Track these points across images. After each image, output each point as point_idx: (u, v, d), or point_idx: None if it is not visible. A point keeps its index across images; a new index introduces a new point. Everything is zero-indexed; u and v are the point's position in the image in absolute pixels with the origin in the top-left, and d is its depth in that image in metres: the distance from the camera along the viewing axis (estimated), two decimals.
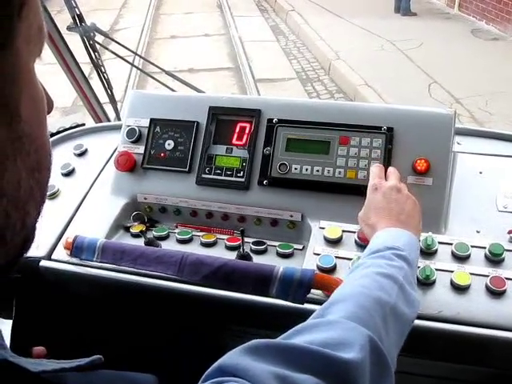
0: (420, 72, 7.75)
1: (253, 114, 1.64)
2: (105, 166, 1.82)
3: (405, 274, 1.09)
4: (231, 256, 1.46)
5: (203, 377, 0.75)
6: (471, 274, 1.31)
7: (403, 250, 1.14)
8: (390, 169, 1.44)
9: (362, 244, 1.40)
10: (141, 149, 1.71)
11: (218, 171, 1.63)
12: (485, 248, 1.36)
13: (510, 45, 8.97)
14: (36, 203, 0.59)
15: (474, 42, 9.31)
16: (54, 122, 2.16)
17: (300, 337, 0.87)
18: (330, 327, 0.90)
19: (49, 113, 0.62)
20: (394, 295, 1.02)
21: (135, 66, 2.68)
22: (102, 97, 2.36)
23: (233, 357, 0.78)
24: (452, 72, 7.53)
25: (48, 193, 1.73)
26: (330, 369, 0.80)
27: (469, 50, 8.62)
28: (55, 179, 1.80)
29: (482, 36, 9.55)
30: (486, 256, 1.35)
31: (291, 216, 1.56)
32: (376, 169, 1.42)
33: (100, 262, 1.45)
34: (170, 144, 1.69)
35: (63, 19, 2.17)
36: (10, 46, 0.51)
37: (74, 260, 1.51)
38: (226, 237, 1.58)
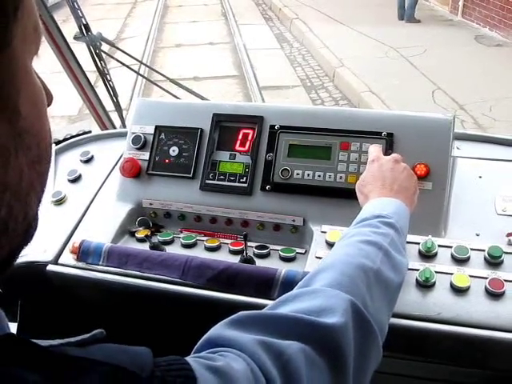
0: (424, 78, 7.76)
1: (255, 121, 1.66)
2: (111, 172, 1.85)
3: (391, 240, 1.11)
4: (235, 260, 1.48)
5: (193, 350, 0.79)
6: (470, 276, 1.33)
7: (391, 218, 1.16)
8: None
9: None
10: (146, 155, 1.74)
11: (222, 177, 1.66)
12: (484, 251, 1.37)
13: None
14: (37, 194, 0.62)
15: (477, 48, 9.32)
16: (60, 129, 2.19)
17: (284, 307, 0.91)
18: (313, 296, 0.93)
19: (49, 105, 0.64)
20: (378, 261, 1.05)
21: (140, 75, 2.72)
22: (108, 105, 2.39)
23: (219, 329, 0.82)
24: (456, 78, 7.55)
25: (55, 199, 1.76)
26: (314, 333, 0.83)
27: (472, 57, 8.63)
28: (62, 185, 1.83)
29: (485, 42, 9.56)
30: (485, 258, 1.37)
31: (293, 221, 1.58)
32: (374, 146, 1.47)
33: (106, 266, 1.48)
34: (174, 150, 1.71)
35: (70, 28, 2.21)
36: (6, 47, 0.53)
37: (81, 264, 1.53)
38: (229, 241, 1.60)
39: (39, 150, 0.60)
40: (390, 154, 1.52)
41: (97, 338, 0.64)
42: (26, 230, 0.62)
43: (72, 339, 0.62)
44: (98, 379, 0.55)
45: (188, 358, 0.68)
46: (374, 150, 1.45)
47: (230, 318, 0.84)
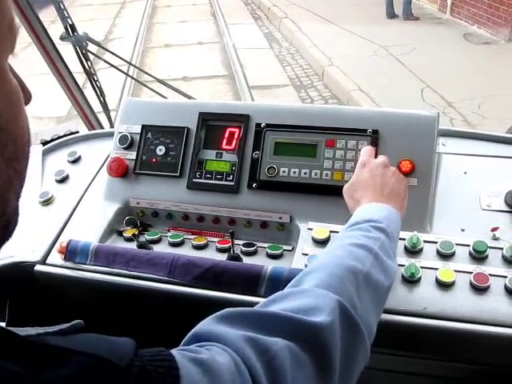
0: (413, 77, 7.79)
1: (241, 119, 1.67)
2: (98, 172, 1.86)
3: (381, 244, 1.11)
4: (222, 258, 1.49)
5: (180, 345, 0.79)
6: (455, 271, 1.34)
7: (381, 222, 1.17)
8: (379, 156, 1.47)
9: None
10: (133, 155, 1.74)
11: (209, 175, 1.66)
12: (469, 246, 1.38)
13: (502, 48, 9.02)
14: (15, 191, 0.62)
15: (466, 46, 9.36)
16: (48, 129, 2.19)
17: (273, 306, 0.91)
18: (302, 295, 0.93)
19: (27, 104, 0.65)
20: (368, 264, 1.05)
21: (127, 74, 2.71)
22: (96, 105, 2.39)
23: (206, 324, 0.83)
24: (444, 76, 7.57)
25: (42, 199, 1.76)
26: (300, 331, 0.83)
27: (461, 54, 8.68)
28: (49, 186, 1.83)
29: (473, 40, 9.60)
30: (470, 253, 1.38)
31: (280, 218, 1.59)
32: (366, 148, 1.45)
33: (93, 265, 1.48)
34: (161, 150, 1.72)
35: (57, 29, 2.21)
36: None
37: (68, 264, 1.54)
38: (216, 239, 1.61)
39: (16, 147, 0.61)
40: (375, 152, 1.53)
41: (76, 328, 0.65)
42: (5, 226, 0.62)
43: (50, 329, 0.63)
44: (76, 368, 0.56)
45: (173, 351, 0.69)
46: (365, 152, 1.43)
47: (217, 313, 0.85)
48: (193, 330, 0.82)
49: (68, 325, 0.65)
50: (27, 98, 0.65)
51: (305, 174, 1.58)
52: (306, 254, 1.45)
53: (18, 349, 0.56)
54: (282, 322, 0.84)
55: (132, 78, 2.81)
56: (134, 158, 1.73)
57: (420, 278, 1.34)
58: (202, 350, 0.74)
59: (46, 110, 5.99)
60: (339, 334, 0.88)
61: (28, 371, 0.53)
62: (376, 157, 1.45)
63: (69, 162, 1.93)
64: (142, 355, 0.63)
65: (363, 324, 0.94)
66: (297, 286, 0.99)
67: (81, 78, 2.37)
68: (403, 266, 1.35)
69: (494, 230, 1.42)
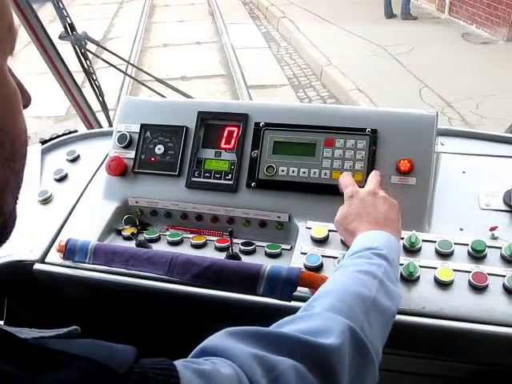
0: (411, 76, 7.79)
1: (240, 119, 1.67)
2: (97, 171, 1.85)
3: (384, 271, 1.11)
4: (221, 257, 1.48)
5: (188, 357, 0.78)
6: (454, 270, 1.34)
7: (382, 249, 1.16)
8: (372, 173, 1.47)
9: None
10: (132, 154, 1.74)
11: (207, 174, 1.66)
12: (467, 245, 1.39)
13: (500, 48, 9.04)
14: (12, 191, 0.62)
15: (464, 45, 9.38)
16: (47, 128, 2.19)
17: (282, 328, 0.91)
18: (311, 318, 0.94)
19: (26, 106, 0.65)
20: (374, 290, 1.05)
21: (125, 73, 2.71)
22: (95, 104, 2.39)
23: (214, 339, 0.82)
24: (443, 76, 7.59)
25: (41, 198, 1.76)
26: (308, 352, 0.83)
27: (459, 54, 8.68)
28: (48, 184, 1.83)
29: (472, 40, 9.62)
30: (468, 253, 1.38)
31: (279, 217, 1.59)
32: (345, 178, 1.44)
33: (92, 264, 1.48)
34: (160, 149, 1.72)
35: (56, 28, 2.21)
36: None
37: (67, 263, 1.53)
38: (215, 238, 1.61)
39: (13, 147, 0.61)
40: (374, 151, 1.53)
41: (72, 335, 0.65)
42: (3, 227, 0.63)
43: (46, 334, 0.63)
44: (74, 373, 0.56)
45: (176, 362, 0.69)
46: (347, 181, 1.42)
47: (226, 329, 0.84)
48: (201, 344, 0.81)
49: (65, 330, 0.65)
50: (26, 100, 0.66)
51: (303, 173, 1.58)
52: (305, 253, 1.45)
53: (17, 351, 0.56)
54: (290, 342, 0.84)
55: (131, 77, 2.82)
56: (133, 157, 1.73)
57: (419, 277, 1.34)
58: (207, 362, 0.74)
59: (45, 109, 5.98)
60: (349, 358, 0.88)
61: (26, 374, 0.53)
62: (370, 170, 1.47)
63: (68, 160, 1.93)
64: (143, 363, 0.63)
65: (372, 348, 0.94)
66: (306, 311, 0.99)
67: (79, 77, 2.37)
68: (402, 264, 1.35)
69: (492, 229, 1.42)
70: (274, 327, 0.92)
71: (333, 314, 0.94)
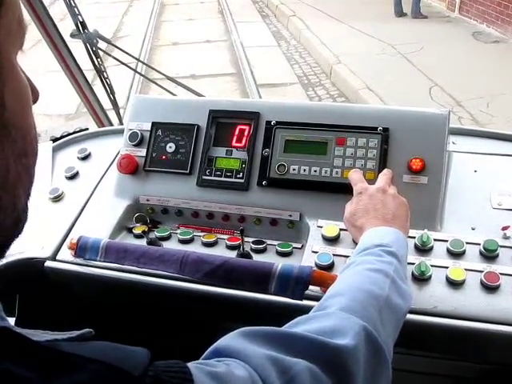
0: (421, 75, 7.77)
1: (252, 117, 1.67)
2: (108, 169, 1.86)
3: (395, 269, 1.11)
4: (232, 255, 1.48)
5: (201, 358, 0.78)
6: (466, 269, 1.34)
7: (391, 247, 1.16)
8: (384, 171, 1.47)
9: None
10: (143, 152, 1.74)
11: (219, 173, 1.66)
12: (479, 244, 1.38)
13: (511, 47, 8.99)
14: (24, 187, 0.63)
15: (474, 44, 9.34)
16: (58, 126, 2.20)
17: (296, 328, 0.90)
18: (325, 318, 0.93)
19: (35, 102, 0.66)
20: (387, 288, 1.04)
21: (137, 71, 2.72)
22: (105, 102, 2.40)
23: (227, 340, 0.82)
24: (453, 75, 7.56)
25: (52, 196, 1.76)
26: (323, 354, 0.83)
27: (470, 53, 8.65)
28: (59, 182, 1.84)
29: (482, 39, 9.57)
30: (480, 252, 1.38)
31: (290, 216, 1.59)
32: (354, 174, 1.45)
33: (103, 262, 1.48)
34: (171, 147, 1.72)
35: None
36: None
37: (78, 260, 1.54)
38: (226, 237, 1.61)
39: (25, 143, 0.62)
40: (386, 150, 1.53)
41: (85, 338, 0.65)
42: (16, 223, 0.63)
43: (59, 336, 0.63)
44: (88, 376, 0.56)
45: (189, 364, 0.68)
46: (356, 178, 1.43)
47: (239, 329, 0.84)
48: (214, 345, 0.81)
49: (78, 333, 0.65)
50: (35, 96, 0.66)
51: (315, 171, 1.58)
52: (316, 252, 1.45)
53: (30, 354, 0.56)
54: (305, 343, 0.83)
55: (142, 75, 2.82)
56: (144, 155, 1.73)
57: (430, 277, 1.34)
58: (220, 364, 0.73)
59: (55, 107, 6.01)
60: (363, 359, 0.87)
61: (40, 377, 0.53)
62: (382, 168, 1.47)
63: (79, 158, 1.94)
64: (157, 365, 0.63)
65: (386, 348, 0.94)
66: (320, 311, 0.98)
67: (89, 75, 2.37)
68: (413, 264, 1.35)
69: (504, 228, 1.42)
70: (287, 327, 0.92)
71: (347, 313, 0.94)
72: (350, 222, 1.35)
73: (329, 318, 0.93)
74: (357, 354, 0.86)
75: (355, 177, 1.44)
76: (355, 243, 1.44)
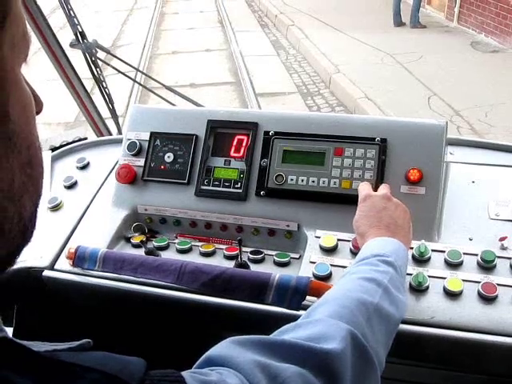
0: (420, 85, 7.79)
1: (250, 127, 1.67)
2: (106, 178, 1.86)
3: (390, 278, 1.11)
4: (229, 265, 1.49)
5: (193, 367, 0.79)
6: (463, 280, 1.34)
7: (389, 256, 1.16)
8: (382, 185, 1.47)
9: (356, 252, 1.41)
10: (141, 161, 1.74)
11: (217, 183, 1.67)
12: (477, 255, 1.38)
13: (509, 57, 9.02)
14: (30, 197, 0.63)
15: (473, 54, 9.36)
16: (57, 136, 2.20)
17: (284, 335, 0.91)
18: (313, 324, 0.94)
19: (38, 112, 0.66)
20: (378, 297, 1.05)
21: (135, 81, 2.72)
22: (104, 112, 2.40)
23: (219, 349, 0.83)
24: (451, 84, 7.59)
25: (51, 205, 1.76)
26: (312, 358, 0.84)
27: (468, 63, 8.68)
28: (58, 191, 1.84)
29: (481, 48, 9.61)
30: (478, 263, 1.38)
31: (288, 226, 1.59)
32: (363, 186, 1.45)
33: (101, 271, 1.49)
34: (169, 157, 1.72)
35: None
36: None
37: (76, 270, 1.54)
38: (224, 246, 1.61)
39: (29, 154, 0.62)
40: (383, 160, 1.53)
41: (84, 348, 0.65)
42: (23, 232, 0.63)
43: (58, 347, 0.63)
44: None
45: (183, 373, 0.69)
46: (364, 188, 1.43)
47: (230, 338, 0.85)
48: (206, 354, 0.82)
49: (77, 343, 0.65)
50: (39, 106, 0.66)
51: (313, 182, 1.58)
52: (314, 262, 1.46)
53: (30, 363, 0.56)
54: (294, 349, 0.85)
55: (140, 84, 2.82)
56: (143, 164, 1.74)
57: (428, 287, 1.34)
58: (213, 373, 0.74)
59: (53, 115, 6.01)
60: (350, 362, 0.88)
61: None
62: (379, 178, 1.48)
63: (77, 168, 1.94)
64: (153, 374, 0.64)
65: (374, 354, 0.94)
66: (308, 318, 0.99)
67: (88, 84, 2.37)
68: (411, 274, 1.35)
69: (502, 239, 1.42)
70: (275, 335, 0.93)
71: (334, 319, 0.95)
72: (354, 227, 1.36)
73: (316, 324, 0.94)
74: (344, 357, 0.87)
75: (363, 187, 1.44)
76: (352, 253, 1.45)
